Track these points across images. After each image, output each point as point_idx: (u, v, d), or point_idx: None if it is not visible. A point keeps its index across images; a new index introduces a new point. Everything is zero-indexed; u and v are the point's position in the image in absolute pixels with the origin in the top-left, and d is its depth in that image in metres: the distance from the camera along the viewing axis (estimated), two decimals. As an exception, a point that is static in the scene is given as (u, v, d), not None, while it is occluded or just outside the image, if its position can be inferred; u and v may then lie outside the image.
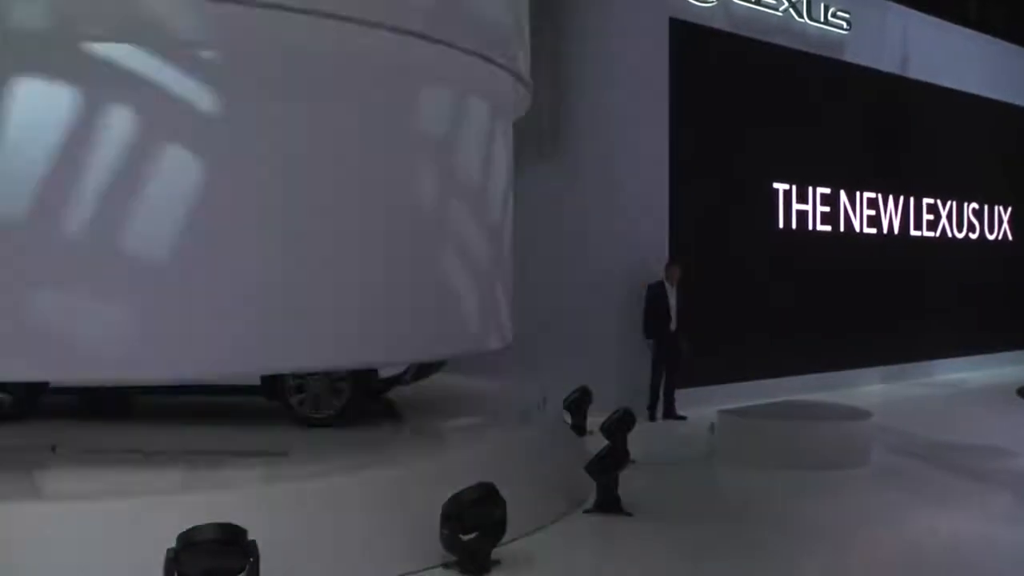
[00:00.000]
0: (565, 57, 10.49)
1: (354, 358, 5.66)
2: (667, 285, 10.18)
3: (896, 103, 13.82)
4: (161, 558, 4.01)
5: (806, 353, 12.26)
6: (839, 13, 12.71)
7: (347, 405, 6.20)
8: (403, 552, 4.94)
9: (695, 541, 5.74)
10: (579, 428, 8.48)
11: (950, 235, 15.23)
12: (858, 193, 13.41)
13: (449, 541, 4.87)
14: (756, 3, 11.64)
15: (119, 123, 4.84)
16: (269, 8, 5.06)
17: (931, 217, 14.82)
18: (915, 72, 14.12)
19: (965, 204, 15.56)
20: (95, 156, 4.82)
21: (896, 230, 14.10)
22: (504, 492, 5.02)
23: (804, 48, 12.31)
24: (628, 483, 6.33)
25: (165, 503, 4.58)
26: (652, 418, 10.07)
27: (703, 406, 10.19)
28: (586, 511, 6.17)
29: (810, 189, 12.63)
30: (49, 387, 6.30)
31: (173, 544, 4.03)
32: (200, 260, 5.01)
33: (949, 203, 15.17)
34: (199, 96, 5.02)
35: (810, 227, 12.65)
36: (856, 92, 13.12)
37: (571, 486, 6.37)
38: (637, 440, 6.69)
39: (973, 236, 15.72)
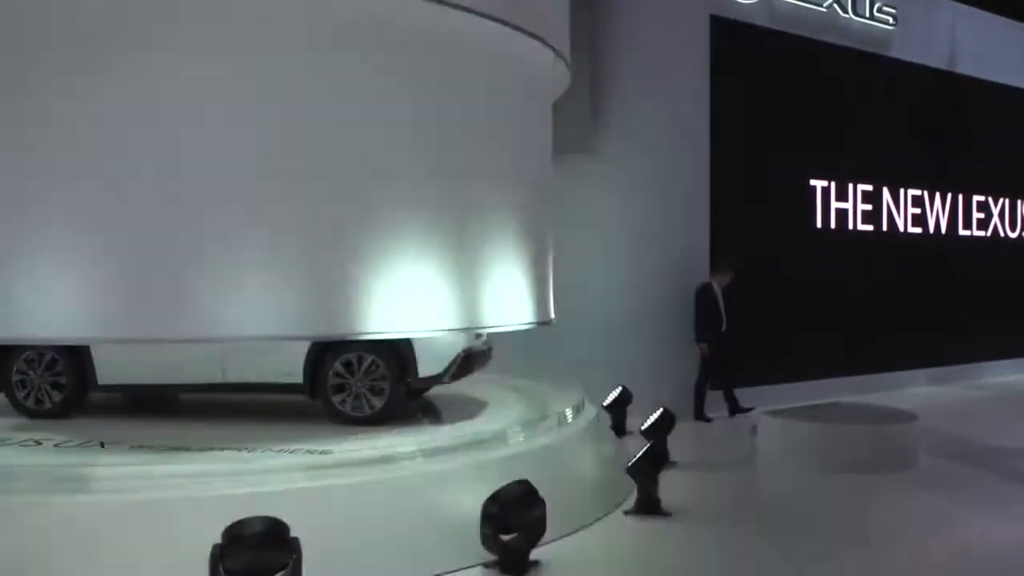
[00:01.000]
0: (605, 54, 10.44)
1: (431, 325, 5.95)
2: (715, 286, 10.10)
3: (944, 99, 13.55)
4: (206, 552, 4.08)
5: (848, 355, 12.08)
6: (885, 8, 12.49)
7: (387, 404, 6.24)
8: (442, 551, 4.95)
9: (735, 543, 5.68)
10: (618, 429, 8.45)
11: (1002, 234, 14.88)
12: (902, 191, 13.17)
13: (489, 540, 4.88)
14: (800, 0, 11.51)
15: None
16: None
17: (981, 216, 14.49)
18: (964, 67, 13.82)
19: (1019, 202, 15.20)
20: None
21: (943, 229, 13.82)
22: (544, 492, 5.02)
23: (848, 44, 12.13)
24: (668, 484, 6.29)
25: (209, 498, 4.65)
26: (699, 417, 10.01)
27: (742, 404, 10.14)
28: (626, 512, 6.14)
29: (850, 186, 12.43)
30: (97, 385, 6.42)
31: (217, 538, 4.10)
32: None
33: (1001, 201, 14.83)
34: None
35: (850, 226, 12.46)
36: (901, 88, 12.89)
37: (611, 487, 6.35)
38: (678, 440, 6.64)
39: (1027, 235, 15.37)
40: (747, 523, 6.15)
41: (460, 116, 6.08)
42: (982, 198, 14.47)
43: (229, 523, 4.13)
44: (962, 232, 14.19)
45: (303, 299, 5.39)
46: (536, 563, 5.01)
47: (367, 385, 6.23)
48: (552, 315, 7.23)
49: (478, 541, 4.92)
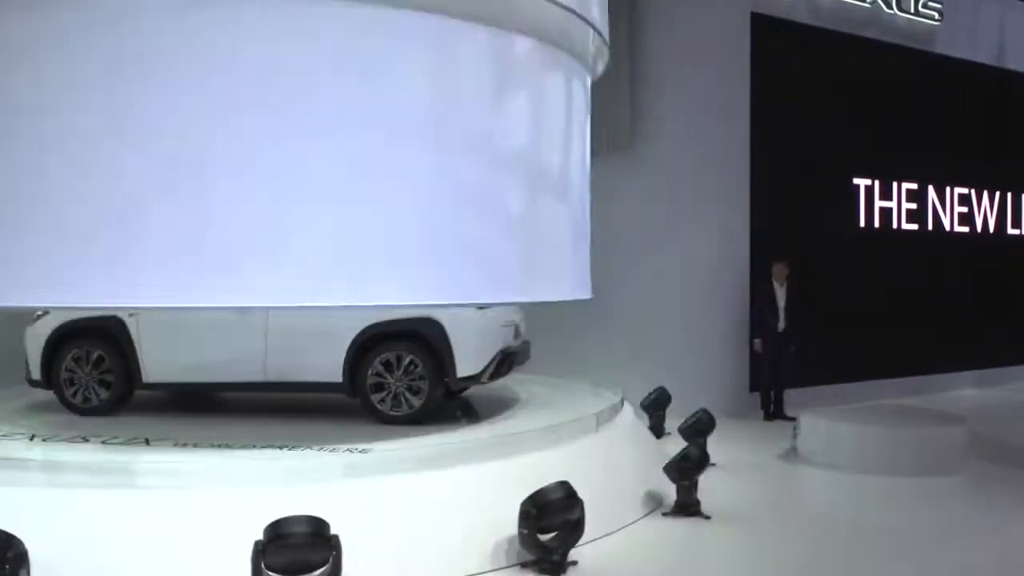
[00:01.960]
0: (644, 53, 10.39)
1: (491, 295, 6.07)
2: (775, 284, 10.02)
3: (992, 95, 13.25)
4: (246, 547, 4.14)
5: (892, 356, 11.86)
6: (930, 3, 12.25)
7: (426, 403, 6.27)
8: (480, 550, 4.97)
9: (775, 546, 5.61)
10: (657, 429, 8.40)
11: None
12: (948, 189, 12.91)
13: (527, 540, 4.88)
14: (843, -4, 11.37)
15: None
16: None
17: (1032, 214, 14.16)
18: (1012, 62, 13.51)
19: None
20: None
21: (991, 228, 13.51)
22: (582, 493, 5.01)
23: (892, 40, 11.92)
24: (708, 486, 6.24)
25: (250, 494, 4.73)
26: (768, 418, 9.93)
27: (787, 409, 10.02)
28: (665, 514, 6.10)
29: (894, 185, 12.22)
30: (143, 383, 6.53)
31: (257, 534, 4.17)
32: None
33: (1053, 199, 14.47)
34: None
35: (894, 225, 12.24)
36: (947, 84, 12.63)
37: (650, 488, 6.31)
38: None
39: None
40: (787, 526, 6.07)
41: (509, 93, 6.14)
42: (1033, 196, 14.14)
43: (270, 520, 4.19)
44: (1011, 231, 13.86)
45: (379, 267, 5.45)
46: (574, 563, 5.00)
47: (406, 384, 6.27)
48: (591, 292, 7.36)
49: (516, 541, 4.93)
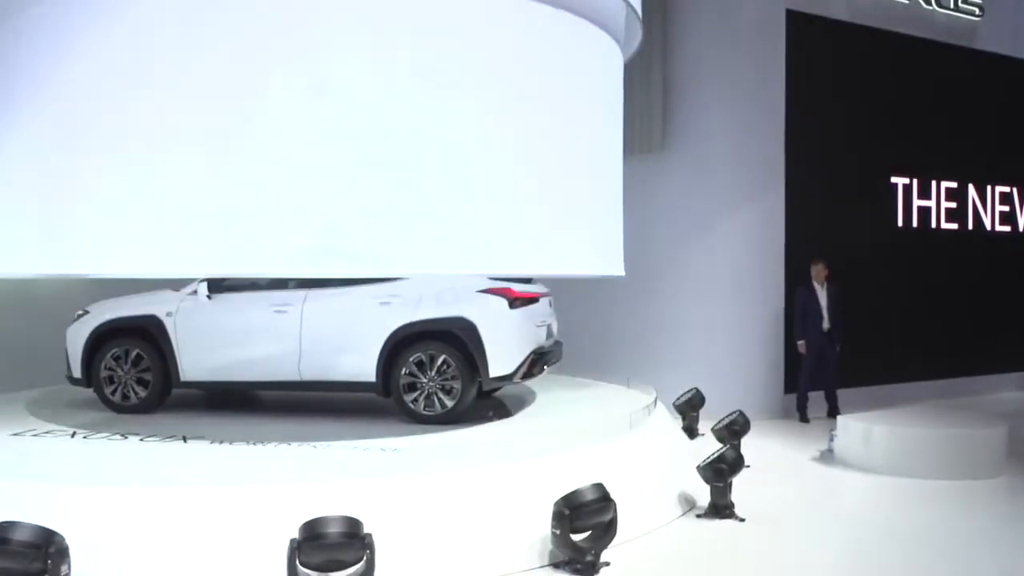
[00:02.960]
0: (677, 51, 10.33)
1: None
2: (816, 285, 9.93)
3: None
4: (280, 543, 4.19)
5: (932, 358, 11.67)
6: (971, -1, 12.06)
7: (459, 402, 6.29)
8: (513, 550, 4.97)
9: (810, 549, 5.55)
10: (690, 430, 8.34)
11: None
12: (989, 187, 12.67)
13: (560, 541, 4.87)
14: (880, -9, 11.21)
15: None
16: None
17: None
18: (1056, 58, 13.24)
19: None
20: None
21: (1034, 227, 13.26)
22: (615, 493, 4.99)
23: (931, 36, 11.73)
24: (743, 487, 6.18)
25: (286, 492, 4.76)
26: (804, 419, 9.84)
27: (822, 410, 9.93)
28: (698, 515, 6.06)
29: (933, 183, 12.01)
30: (180, 381, 6.62)
31: (291, 531, 4.21)
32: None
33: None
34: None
35: (933, 224, 12.03)
36: (987, 81, 12.39)
37: (683, 489, 6.28)
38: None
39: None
40: (823, 529, 6.00)
41: (543, 65, 6.26)
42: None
43: (305, 517, 4.24)
44: (1054, 230, 13.58)
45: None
46: (606, 564, 4.98)
47: (439, 384, 6.29)
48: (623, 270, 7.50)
49: (548, 541, 4.93)
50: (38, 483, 4.76)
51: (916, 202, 11.85)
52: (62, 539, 4.16)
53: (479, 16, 5.74)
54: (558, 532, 4.84)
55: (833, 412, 9.83)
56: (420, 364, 6.30)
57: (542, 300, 6.74)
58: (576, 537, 4.89)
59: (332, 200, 5.32)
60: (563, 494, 4.88)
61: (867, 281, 11.04)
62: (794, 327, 10.05)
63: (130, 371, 6.61)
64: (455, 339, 6.27)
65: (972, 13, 12.07)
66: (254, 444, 5.59)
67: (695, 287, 10.26)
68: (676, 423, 8.03)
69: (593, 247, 6.66)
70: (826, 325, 9.88)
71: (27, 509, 4.30)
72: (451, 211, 5.61)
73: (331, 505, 4.46)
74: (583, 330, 9.18)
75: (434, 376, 6.29)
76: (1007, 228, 12.89)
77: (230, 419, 6.56)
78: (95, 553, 4.38)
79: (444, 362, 6.28)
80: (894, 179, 11.66)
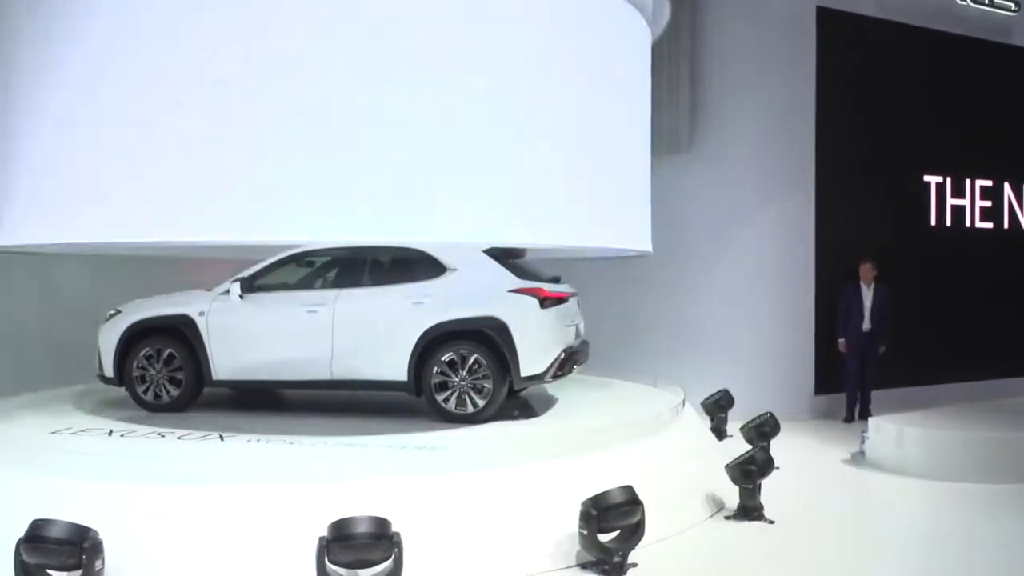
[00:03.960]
0: (706, 49, 10.26)
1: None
2: (862, 285, 9.84)
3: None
4: (314, 540, 4.23)
5: (967, 359, 11.47)
6: (1007, -6, 11.86)
7: (490, 402, 6.31)
8: (540, 549, 4.98)
9: (840, 553, 5.49)
10: (718, 431, 8.30)
11: None
12: (1026, 186, 12.46)
13: (587, 541, 4.87)
14: (914, -12, 11.06)
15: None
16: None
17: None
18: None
19: None
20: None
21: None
22: (643, 493, 4.97)
23: (965, 32, 11.54)
24: (772, 489, 6.14)
25: (320, 490, 4.81)
26: (850, 419, 9.78)
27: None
28: (727, 517, 6.02)
29: (967, 182, 11.82)
30: (212, 380, 6.67)
31: (323, 529, 4.25)
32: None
33: None
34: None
35: (967, 224, 11.84)
36: (1023, 77, 12.17)
37: (712, 490, 6.25)
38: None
39: None
40: (854, 533, 5.94)
41: (573, 41, 6.50)
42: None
43: (336, 514, 4.29)
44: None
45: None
46: (634, 565, 4.97)
47: (470, 383, 6.32)
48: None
49: (576, 541, 4.92)
50: (80, 481, 4.82)
51: (950, 201, 11.67)
52: (96, 534, 4.24)
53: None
54: (585, 533, 4.84)
55: (865, 413, 9.74)
56: (451, 363, 6.32)
57: (571, 300, 6.74)
58: (603, 538, 4.89)
59: (383, 171, 5.71)
60: (591, 495, 4.87)
61: (899, 281, 10.86)
62: (836, 325, 9.96)
63: (162, 370, 6.66)
64: (487, 339, 6.29)
65: (1008, 8, 11.85)
66: (291, 443, 5.62)
67: (723, 287, 10.20)
68: (704, 424, 7.99)
69: (621, 221, 6.79)
70: (867, 325, 9.79)
71: (69, 507, 4.40)
72: (481, 183, 5.81)
73: (360, 504, 4.51)
74: (610, 330, 9.13)
75: (465, 376, 6.32)
76: (1044, 227, 12.66)
77: (266, 417, 6.58)
78: (132, 549, 4.46)
79: (475, 361, 6.31)
80: (927, 177, 11.50)
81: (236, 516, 4.66)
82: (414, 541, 4.43)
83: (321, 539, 4.28)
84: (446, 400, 6.33)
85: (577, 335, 6.93)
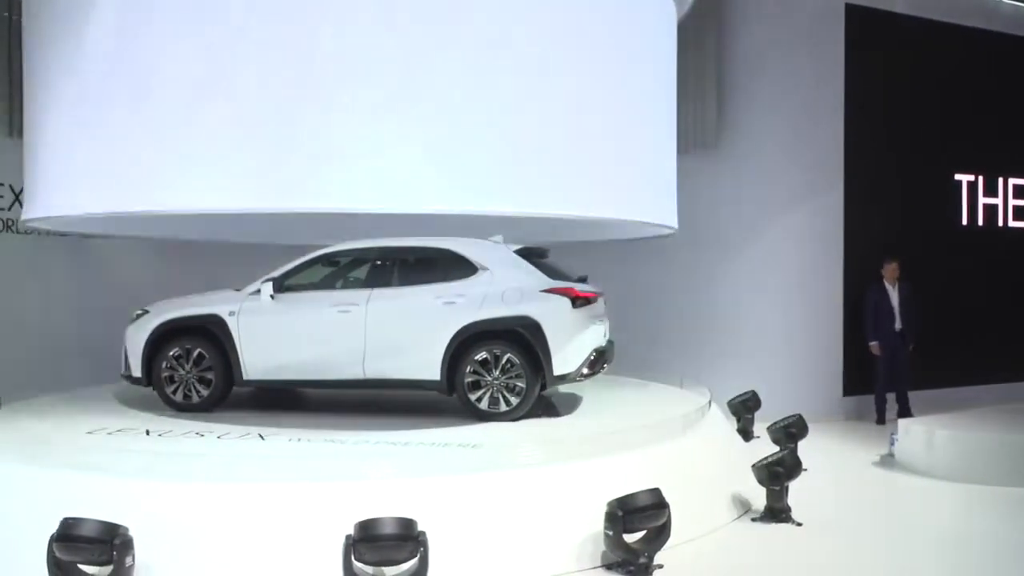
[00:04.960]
0: (733, 47, 10.20)
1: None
2: (887, 285, 9.77)
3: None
4: (340, 539, 4.30)
5: (999, 360, 11.30)
6: (1040, -11, 11.67)
7: (523, 400, 6.34)
8: (566, 550, 4.98)
9: (869, 556, 5.42)
10: (745, 432, 8.24)
11: None
12: (1061, 184, 12.24)
13: (612, 542, 4.86)
14: (944, -16, 10.92)
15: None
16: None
17: None
18: None
19: None
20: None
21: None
22: (669, 494, 4.95)
23: (997, 29, 11.37)
24: (801, 491, 6.09)
25: (343, 488, 4.85)
26: (882, 421, 9.71)
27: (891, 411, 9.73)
28: (754, 519, 5.98)
29: (1000, 180, 11.64)
30: (243, 380, 6.69)
31: (350, 528, 4.28)
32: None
33: None
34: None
35: (1000, 223, 11.65)
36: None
37: (738, 492, 6.20)
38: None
39: None
40: (883, 536, 5.87)
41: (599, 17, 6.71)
42: None
43: (359, 516, 4.32)
44: None
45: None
46: (660, 567, 4.95)
47: (503, 382, 6.34)
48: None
49: (601, 541, 4.91)
50: (129, 481, 4.89)
51: (982, 200, 11.50)
52: (126, 531, 4.31)
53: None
54: (611, 533, 4.83)
55: (904, 414, 9.65)
56: (484, 362, 6.35)
57: (599, 300, 6.75)
58: (629, 538, 4.87)
59: (418, 143, 5.95)
60: (617, 495, 4.86)
61: (930, 281, 10.74)
62: (866, 328, 9.88)
63: (191, 370, 6.68)
64: (520, 338, 6.32)
65: (1041, 4, 11.68)
66: (331, 442, 5.65)
67: (750, 286, 10.13)
68: (731, 425, 7.94)
69: (647, 196, 6.87)
70: (898, 325, 9.70)
71: (116, 506, 4.51)
72: (509, 156, 6.00)
73: (385, 503, 4.54)
74: (635, 330, 9.11)
75: (498, 375, 6.34)
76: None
77: (303, 416, 6.56)
78: (179, 545, 4.56)
79: (508, 360, 6.33)
80: (958, 176, 11.34)
81: (278, 514, 4.70)
82: (440, 541, 4.45)
83: (347, 537, 4.32)
84: (479, 399, 6.36)
85: (604, 334, 6.93)
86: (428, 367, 6.36)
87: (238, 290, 6.74)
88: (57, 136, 6.53)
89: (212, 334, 6.60)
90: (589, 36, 6.42)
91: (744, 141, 10.16)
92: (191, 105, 5.96)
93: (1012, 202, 11.75)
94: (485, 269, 6.49)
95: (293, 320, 6.52)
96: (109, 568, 4.25)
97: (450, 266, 6.53)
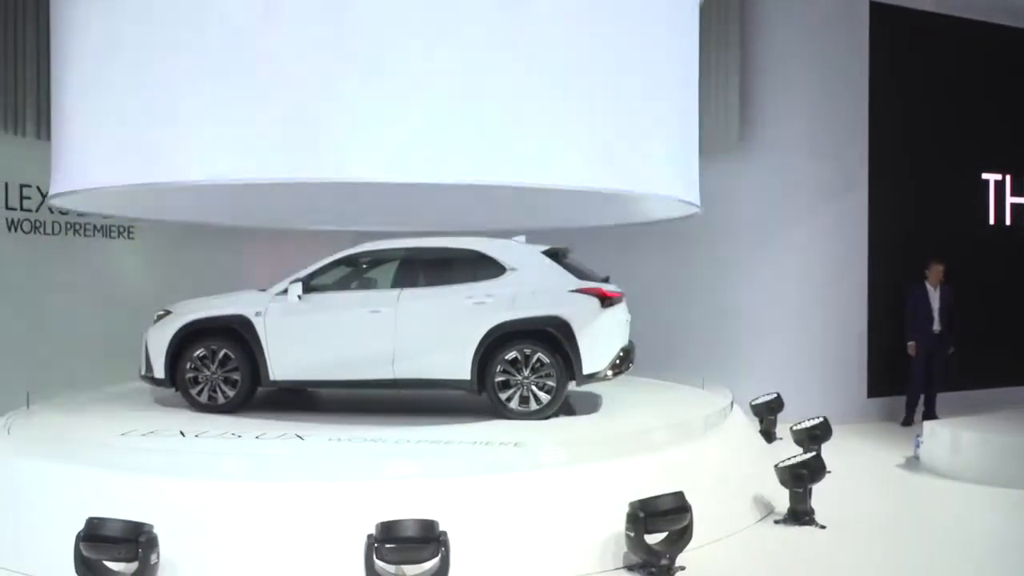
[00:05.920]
0: (754, 43, 10.14)
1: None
2: (929, 286, 9.72)
3: None
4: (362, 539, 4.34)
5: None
6: (1069, -16, 11.50)
7: (553, 399, 6.38)
8: (587, 551, 4.97)
9: (894, 560, 5.38)
10: (767, 434, 8.19)
11: None
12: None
13: (634, 543, 4.85)
14: (969, -20, 10.80)
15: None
16: None
17: None
18: None
19: None
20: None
21: None
22: (691, 496, 4.94)
23: (1022, 26, 11.24)
24: (825, 494, 6.04)
25: (364, 488, 4.89)
26: (909, 422, 9.67)
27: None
28: (777, 521, 5.95)
29: (1029, 180, 11.51)
30: (269, 380, 6.71)
31: (372, 528, 4.31)
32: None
33: None
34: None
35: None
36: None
37: (761, 494, 6.17)
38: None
39: None
40: (908, 539, 5.82)
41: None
42: None
43: (378, 516, 4.38)
44: None
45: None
46: (681, 569, 4.94)
47: (533, 381, 6.37)
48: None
49: (623, 543, 4.91)
50: (148, 478, 4.93)
51: (1009, 199, 11.37)
52: (151, 529, 4.36)
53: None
54: (632, 535, 4.82)
55: (929, 416, 9.56)
56: (513, 362, 6.38)
57: (623, 299, 6.77)
58: (651, 540, 4.86)
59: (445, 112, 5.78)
60: (639, 497, 4.85)
61: (957, 282, 10.62)
62: (905, 328, 9.83)
63: (217, 371, 6.67)
64: (550, 337, 6.37)
65: (1069, 0, 11.51)
66: (372, 441, 5.67)
67: (774, 287, 10.07)
68: (753, 426, 7.89)
69: (670, 171, 6.76)
70: (936, 327, 9.62)
71: (145, 505, 4.60)
72: (531, 128, 5.90)
73: (408, 503, 4.58)
74: (657, 330, 9.09)
75: (528, 374, 6.38)
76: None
77: (343, 417, 6.52)
78: (220, 542, 4.64)
79: (538, 360, 6.37)
80: (985, 175, 11.21)
81: (318, 513, 4.74)
82: (461, 541, 4.47)
83: (369, 537, 4.35)
84: (509, 398, 6.39)
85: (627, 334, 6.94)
86: (458, 367, 6.40)
87: (263, 290, 6.77)
88: (83, 108, 6.41)
89: (238, 335, 6.61)
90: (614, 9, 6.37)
91: (767, 140, 10.10)
92: (216, 74, 5.85)
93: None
94: (514, 269, 6.54)
95: (322, 321, 6.53)
96: (135, 565, 4.31)
97: (478, 266, 6.58)
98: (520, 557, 4.84)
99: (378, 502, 4.65)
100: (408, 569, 4.45)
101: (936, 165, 10.73)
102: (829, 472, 6.14)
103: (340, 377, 6.62)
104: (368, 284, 6.84)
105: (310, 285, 6.63)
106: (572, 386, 6.57)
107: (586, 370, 6.41)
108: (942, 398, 9.94)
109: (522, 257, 6.62)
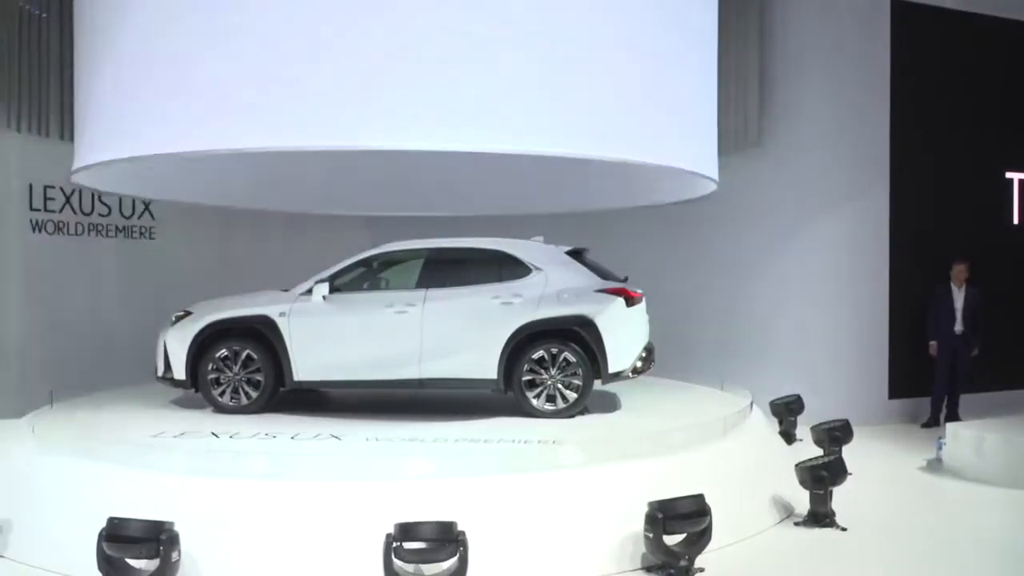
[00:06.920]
0: (776, 42, 10.08)
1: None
2: (953, 287, 9.65)
3: None
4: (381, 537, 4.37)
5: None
6: (1095, -20, 11.34)
7: (580, 398, 6.44)
8: (606, 551, 4.97)
9: (916, 563, 5.33)
10: (787, 435, 8.14)
11: None
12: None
13: (652, 544, 4.84)
14: (993, -23, 10.68)
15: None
16: None
17: None
18: None
19: None
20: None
21: None
22: (710, 497, 4.92)
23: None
24: (845, 495, 6.00)
25: (385, 488, 4.90)
26: (935, 423, 9.60)
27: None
28: (797, 523, 5.91)
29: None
30: (293, 381, 6.65)
31: (391, 527, 4.34)
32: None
33: None
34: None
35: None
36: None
37: (781, 495, 6.14)
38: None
39: None
40: (930, 542, 5.76)
41: None
42: None
43: (397, 515, 4.39)
44: None
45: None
46: (701, 570, 4.92)
47: (559, 380, 6.42)
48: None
49: (641, 544, 4.90)
50: (177, 477, 4.99)
51: (1033, 199, 11.24)
52: (172, 527, 4.41)
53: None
54: (651, 536, 4.81)
55: (951, 418, 9.47)
56: (539, 361, 6.43)
57: (643, 299, 6.79)
58: (670, 541, 4.85)
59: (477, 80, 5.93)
60: (658, 497, 4.84)
61: (980, 282, 10.51)
62: (927, 328, 9.76)
63: (240, 372, 6.65)
64: (576, 337, 6.43)
65: (1095, -4, 11.35)
66: (410, 441, 5.68)
67: (794, 287, 10.01)
68: (773, 427, 7.85)
69: (688, 143, 6.83)
70: (959, 328, 9.54)
71: (171, 503, 4.65)
72: (549, 98, 6.01)
73: (428, 503, 4.60)
74: (677, 331, 9.07)
75: (555, 373, 6.41)
76: None
77: (377, 417, 6.50)
78: (256, 540, 4.68)
79: (564, 359, 6.42)
80: (1009, 174, 11.08)
81: (356, 511, 4.77)
82: (480, 541, 4.48)
83: (388, 535, 4.37)
84: (536, 397, 6.45)
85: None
86: (485, 366, 6.45)
87: (285, 291, 6.79)
88: (101, 82, 6.51)
89: (262, 335, 6.60)
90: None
91: (787, 140, 10.04)
92: (253, 46, 5.93)
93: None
94: (539, 270, 6.61)
95: (348, 321, 6.55)
96: (156, 562, 4.36)
97: (503, 266, 6.63)
98: (538, 557, 4.84)
99: (397, 502, 4.67)
100: (426, 569, 4.47)
101: (958, 163, 10.62)
102: (850, 474, 6.10)
103: (366, 377, 6.63)
104: (392, 284, 6.87)
105: (334, 285, 6.65)
106: (597, 384, 6.60)
107: (612, 369, 6.50)
108: (965, 399, 9.85)
109: (547, 257, 6.70)
